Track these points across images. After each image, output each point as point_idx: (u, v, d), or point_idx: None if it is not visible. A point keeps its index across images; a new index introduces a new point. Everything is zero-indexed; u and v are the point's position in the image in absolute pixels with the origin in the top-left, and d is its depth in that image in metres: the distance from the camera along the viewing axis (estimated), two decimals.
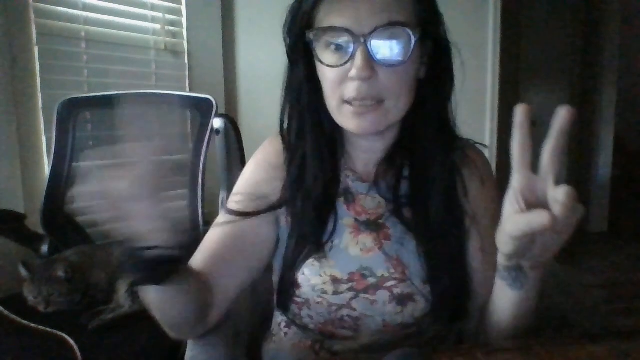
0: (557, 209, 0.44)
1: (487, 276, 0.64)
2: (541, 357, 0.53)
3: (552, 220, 0.43)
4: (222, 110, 1.90)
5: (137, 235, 0.49)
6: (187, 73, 1.94)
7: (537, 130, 0.49)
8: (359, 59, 0.59)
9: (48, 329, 0.99)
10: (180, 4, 1.93)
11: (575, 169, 3.96)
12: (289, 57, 0.69)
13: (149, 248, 0.51)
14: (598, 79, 3.70)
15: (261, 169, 0.75)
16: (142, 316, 0.60)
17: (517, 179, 0.50)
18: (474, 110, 2.45)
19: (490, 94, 2.47)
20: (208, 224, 0.80)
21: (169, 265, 0.53)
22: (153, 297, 0.58)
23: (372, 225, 0.69)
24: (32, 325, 1.01)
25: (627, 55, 4.04)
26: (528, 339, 0.59)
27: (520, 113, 0.47)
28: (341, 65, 0.61)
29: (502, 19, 2.44)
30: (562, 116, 0.46)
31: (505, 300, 0.60)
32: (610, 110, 3.71)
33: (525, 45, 3.79)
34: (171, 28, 1.90)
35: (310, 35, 0.63)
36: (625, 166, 4.25)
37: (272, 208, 0.70)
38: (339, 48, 0.62)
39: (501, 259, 0.56)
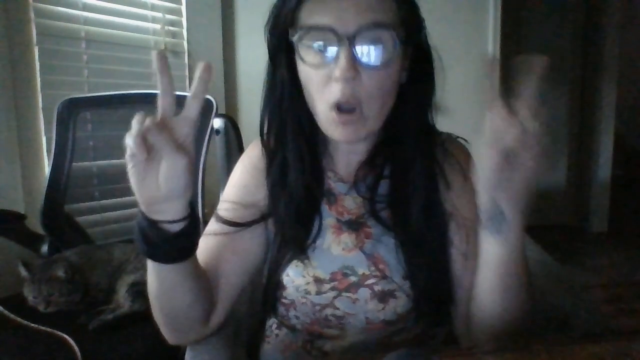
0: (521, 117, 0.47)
1: (469, 272, 0.64)
2: (541, 357, 0.53)
3: (518, 125, 0.47)
4: (222, 110, 1.90)
5: (150, 206, 0.49)
6: (187, 73, 1.95)
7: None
8: (342, 59, 0.58)
9: (48, 329, 0.99)
10: (180, 4, 1.93)
11: (575, 169, 3.96)
12: (270, 57, 0.68)
13: (162, 222, 0.51)
14: (598, 79, 3.69)
15: (248, 174, 0.74)
16: (142, 316, 0.60)
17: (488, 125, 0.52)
18: (474, 110, 2.44)
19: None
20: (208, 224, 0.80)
21: (180, 241, 0.53)
22: (160, 278, 0.58)
23: (354, 225, 0.69)
24: (32, 325, 1.01)
25: (627, 55, 4.04)
26: (528, 339, 0.59)
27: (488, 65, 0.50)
28: (324, 66, 0.60)
29: (502, 19, 2.44)
30: (536, 61, 0.47)
31: (490, 257, 0.57)
32: (610, 110, 3.70)
33: (525, 45, 3.79)
34: (171, 28, 1.90)
35: (294, 34, 0.62)
36: (625, 166, 4.26)
37: (262, 218, 0.71)
38: (322, 48, 0.60)
39: (483, 207, 0.54)
